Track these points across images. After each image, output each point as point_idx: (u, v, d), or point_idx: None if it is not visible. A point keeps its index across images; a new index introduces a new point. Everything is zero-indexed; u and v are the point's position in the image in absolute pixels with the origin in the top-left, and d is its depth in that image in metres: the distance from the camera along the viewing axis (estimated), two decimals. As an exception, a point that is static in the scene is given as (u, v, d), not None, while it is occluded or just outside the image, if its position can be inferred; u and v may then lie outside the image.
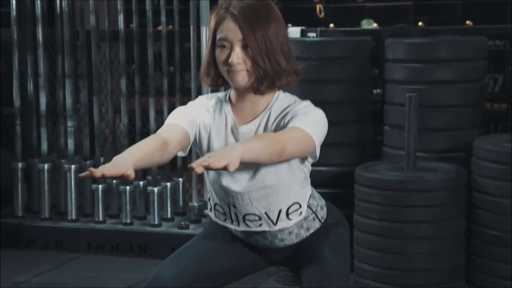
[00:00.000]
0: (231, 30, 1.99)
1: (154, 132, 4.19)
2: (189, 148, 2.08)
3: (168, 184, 4.23)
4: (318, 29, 4.13)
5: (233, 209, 2.10)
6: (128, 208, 4.21)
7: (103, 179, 1.88)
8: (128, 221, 4.22)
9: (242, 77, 2.01)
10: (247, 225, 2.11)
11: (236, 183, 2.06)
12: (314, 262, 2.09)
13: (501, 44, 4.52)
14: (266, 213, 2.08)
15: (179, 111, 2.10)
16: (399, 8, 8.76)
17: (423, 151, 3.54)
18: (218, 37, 2.02)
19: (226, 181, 2.06)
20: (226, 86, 2.13)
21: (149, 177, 4.29)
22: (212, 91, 2.25)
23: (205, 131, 2.09)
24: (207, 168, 1.72)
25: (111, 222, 4.29)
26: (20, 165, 4.40)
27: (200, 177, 4.14)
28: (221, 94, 2.14)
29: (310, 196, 2.14)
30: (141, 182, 4.25)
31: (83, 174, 1.75)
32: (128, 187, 4.21)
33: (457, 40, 3.72)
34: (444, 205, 3.30)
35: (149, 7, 4.19)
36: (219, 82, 2.09)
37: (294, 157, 2.01)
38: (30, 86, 4.41)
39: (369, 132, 3.93)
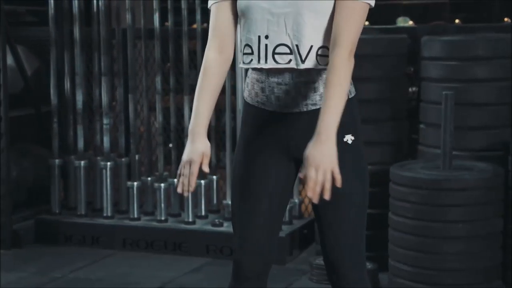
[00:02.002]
0: None
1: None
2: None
3: (202, 181, 4.24)
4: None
5: (264, 41, 2.05)
6: (162, 205, 4.24)
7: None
8: (163, 218, 4.24)
9: None
10: (275, 60, 2.05)
11: (275, 4, 2.03)
12: (335, 211, 2.08)
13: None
14: (297, 46, 2.03)
15: None
16: (435, 5, 8.67)
17: (460, 150, 3.50)
18: None
19: (264, 3, 2.04)
20: None
21: (184, 175, 4.30)
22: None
23: None
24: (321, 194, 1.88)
25: (146, 219, 4.32)
26: (57, 162, 4.45)
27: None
28: None
29: None
30: (175, 180, 4.27)
31: (183, 193, 2.06)
32: (162, 185, 4.24)
33: (494, 37, 3.68)
34: (481, 204, 3.26)
35: (185, 5, 4.21)
36: None
37: None
38: (67, 84, 4.46)
39: (404, 130, 3.90)
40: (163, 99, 4.31)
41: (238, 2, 2.10)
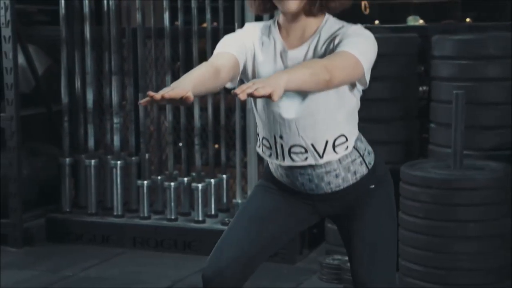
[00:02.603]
0: None
1: (199, 129, 4.24)
2: (238, 78, 2.08)
3: (212, 180, 4.25)
4: (363, 25, 4.09)
5: (279, 140, 2.07)
6: (172, 204, 4.24)
7: (163, 102, 1.79)
8: (173, 217, 4.25)
9: (294, 3, 2.00)
10: (292, 159, 2.08)
11: (285, 109, 2.04)
12: (363, 245, 2.12)
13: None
14: (312, 145, 2.06)
15: (227, 38, 2.09)
16: (446, 4, 8.64)
17: (470, 149, 3.49)
18: None
19: (275, 107, 2.04)
20: (272, 13, 2.12)
21: (194, 174, 4.31)
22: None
23: (253, 57, 2.08)
24: (251, 96, 1.72)
25: (156, 218, 4.33)
26: (67, 161, 4.47)
27: (244, 174, 4.15)
28: (268, 21, 2.13)
29: (358, 139, 2.12)
30: (185, 179, 4.28)
31: (143, 100, 1.77)
32: (172, 184, 4.24)
33: (505, 36, 3.66)
34: (491, 204, 3.25)
35: (194, 4, 4.21)
36: (267, 6, 2.08)
37: (343, 84, 1.99)
38: (78, 83, 4.47)
39: (414, 129, 3.89)
40: (173, 98, 4.31)
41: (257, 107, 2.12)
